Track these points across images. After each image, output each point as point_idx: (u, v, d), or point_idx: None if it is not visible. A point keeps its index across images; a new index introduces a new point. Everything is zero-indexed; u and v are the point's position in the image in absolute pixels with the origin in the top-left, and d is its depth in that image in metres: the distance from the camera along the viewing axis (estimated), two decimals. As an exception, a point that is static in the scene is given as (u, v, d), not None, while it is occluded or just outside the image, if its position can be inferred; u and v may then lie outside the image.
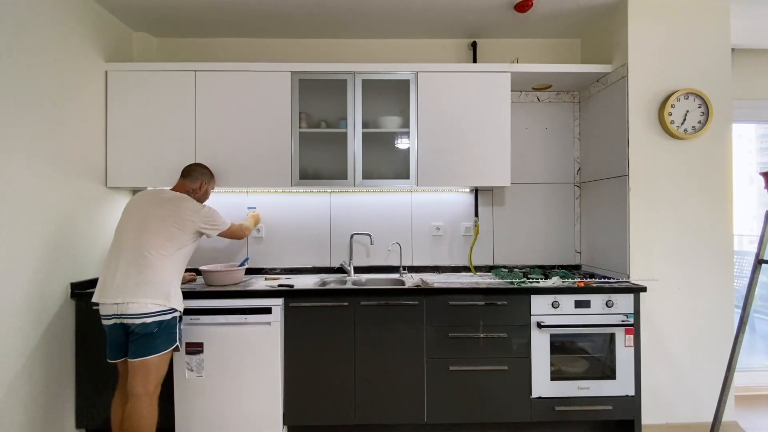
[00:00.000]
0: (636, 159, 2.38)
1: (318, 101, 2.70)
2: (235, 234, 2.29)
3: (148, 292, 1.83)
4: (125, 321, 1.82)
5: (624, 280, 2.39)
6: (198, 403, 2.20)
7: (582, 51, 2.92)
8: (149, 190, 2.26)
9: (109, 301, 1.82)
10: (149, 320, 1.82)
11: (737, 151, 2.57)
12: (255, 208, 2.75)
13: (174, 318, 1.90)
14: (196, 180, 2.20)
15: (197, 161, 2.47)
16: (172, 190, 2.13)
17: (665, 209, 2.39)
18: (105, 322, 1.87)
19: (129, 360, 1.85)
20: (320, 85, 2.59)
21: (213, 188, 2.35)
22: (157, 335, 1.84)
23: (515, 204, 2.91)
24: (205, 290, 2.25)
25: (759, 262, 1.86)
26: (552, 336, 2.27)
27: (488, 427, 2.33)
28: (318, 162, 2.70)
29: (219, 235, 2.17)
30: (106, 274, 1.88)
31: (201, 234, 2.07)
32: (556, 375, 2.28)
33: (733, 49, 2.59)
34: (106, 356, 1.92)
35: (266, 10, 2.51)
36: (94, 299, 1.88)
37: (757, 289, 1.88)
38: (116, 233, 1.96)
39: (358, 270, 2.84)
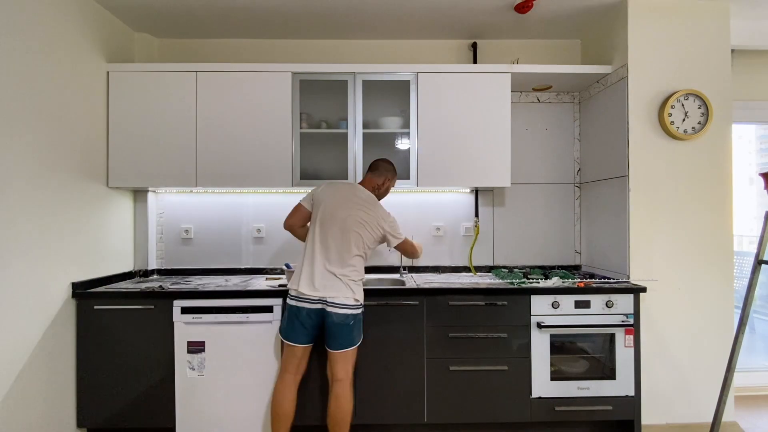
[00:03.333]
0: (636, 160, 2.38)
1: (319, 102, 2.70)
2: (407, 249, 2.24)
3: (348, 289, 1.98)
4: (329, 309, 1.95)
5: (624, 280, 2.39)
6: (199, 402, 2.21)
7: (582, 52, 2.92)
8: (345, 184, 2.19)
9: (313, 293, 1.96)
10: (350, 312, 1.97)
11: (737, 151, 2.58)
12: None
13: (362, 312, 2.07)
14: (381, 175, 2.20)
15: (198, 162, 2.48)
16: (360, 184, 2.18)
17: (665, 210, 2.39)
18: (305, 305, 1.97)
19: (330, 351, 2.00)
20: (321, 86, 2.59)
21: (394, 185, 2.31)
22: (353, 327, 2.00)
23: (515, 204, 2.92)
24: (206, 290, 2.26)
25: (759, 262, 1.87)
26: (552, 336, 2.28)
27: (488, 427, 2.34)
28: (319, 162, 2.70)
29: (396, 247, 2.19)
30: (309, 267, 2.00)
31: (384, 240, 2.15)
32: (556, 375, 2.28)
33: (733, 50, 2.59)
34: (285, 337, 2.01)
35: (267, 10, 2.52)
36: (295, 287, 1.99)
37: (756, 290, 1.88)
38: (319, 228, 2.03)
39: (359, 270, 2.84)
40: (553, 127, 2.93)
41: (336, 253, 2.00)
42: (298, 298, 1.98)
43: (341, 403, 1.98)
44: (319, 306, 1.96)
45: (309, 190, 2.73)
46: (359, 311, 2.03)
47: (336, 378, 2.00)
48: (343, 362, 1.99)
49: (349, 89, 2.53)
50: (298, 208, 2.17)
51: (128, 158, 2.49)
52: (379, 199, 2.19)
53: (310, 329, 1.99)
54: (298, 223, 2.18)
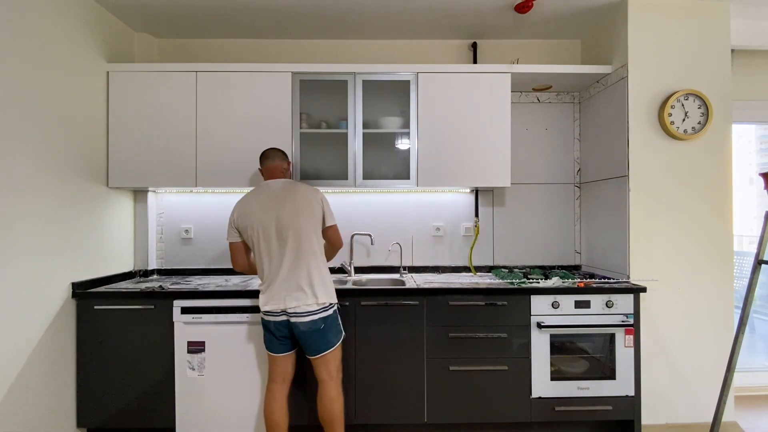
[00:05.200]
0: (636, 159, 2.38)
1: (319, 102, 2.70)
2: (336, 238, 2.05)
3: (309, 296, 1.90)
4: (293, 320, 1.90)
5: (624, 280, 2.39)
6: (199, 402, 2.21)
7: (582, 52, 2.92)
8: (251, 194, 2.02)
9: (276, 308, 1.90)
10: (316, 317, 1.90)
11: (737, 151, 2.58)
12: None
13: (336, 310, 2.01)
14: (283, 159, 2.09)
15: (198, 162, 2.49)
16: (269, 178, 2.05)
17: (665, 210, 2.40)
18: (271, 318, 1.93)
19: (308, 357, 1.98)
20: (321, 86, 2.59)
21: None
22: (326, 330, 1.93)
23: (515, 204, 2.92)
24: (206, 290, 2.26)
25: (759, 262, 1.87)
26: (552, 336, 2.28)
27: (488, 427, 2.34)
28: (319, 162, 2.70)
29: (328, 229, 2.01)
30: (267, 285, 1.92)
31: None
32: (556, 375, 2.28)
33: (733, 50, 2.59)
34: (266, 348, 2.00)
35: (267, 10, 2.52)
36: (262, 309, 1.93)
37: (756, 290, 1.88)
38: (259, 248, 1.93)
39: (359, 270, 2.84)
40: (553, 127, 2.93)
41: (284, 263, 1.90)
42: (265, 312, 1.94)
43: (327, 403, 1.97)
44: (283, 318, 1.91)
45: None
46: (329, 312, 1.93)
47: (320, 379, 1.99)
48: (324, 365, 1.96)
49: (349, 89, 2.53)
50: (232, 247, 2.04)
51: (128, 158, 2.49)
52: None
53: (284, 339, 1.96)
54: (245, 259, 2.06)
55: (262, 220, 1.93)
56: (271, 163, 2.07)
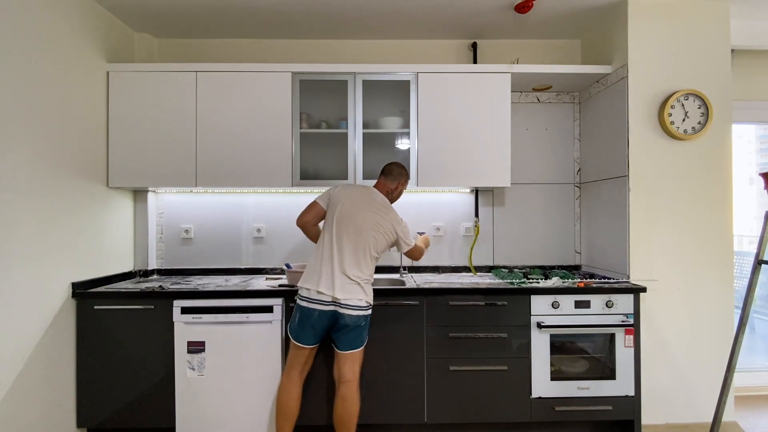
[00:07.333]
0: (636, 160, 2.38)
1: (319, 102, 2.70)
2: (414, 254, 2.25)
3: (361, 291, 1.98)
4: (341, 311, 1.94)
5: (624, 280, 2.39)
6: (199, 402, 2.21)
7: (582, 52, 2.92)
8: (361, 187, 2.18)
9: (327, 293, 1.94)
10: (362, 313, 1.97)
11: (737, 151, 2.58)
12: (424, 233, 2.55)
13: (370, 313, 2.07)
14: (395, 180, 2.22)
15: (198, 162, 2.48)
16: (374, 187, 2.20)
17: (665, 210, 2.40)
18: (317, 307, 1.95)
19: (340, 351, 2.00)
20: (321, 86, 2.59)
21: (405, 188, 2.33)
22: (363, 328, 2.01)
23: (515, 204, 2.92)
24: (206, 290, 2.26)
25: (759, 262, 1.87)
26: (552, 336, 2.28)
27: (488, 427, 2.34)
28: (319, 162, 2.70)
29: (404, 253, 2.22)
30: (323, 267, 1.98)
31: (395, 245, 2.17)
32: (556, 375, 2.28)
33: (732, 50, 2.59)
34: (295, 338, 2.00)
35: (267, 10, 2.52)
36: (309, 287, 1.97)
37: (756, 290, 1.88)
38: (336, 229, 2.02)
39: (359, 270, 2.84)
40: (553, 127, 2.93)
41: (351, 255, 1.99)
42: (310, 299, 1.96)
43: (348, 405, 1.99)
44: (331, 308, 1.95)
45: (308, 190, 2.77)
46: (369, 312, 2.02)
47: (344, 379, 2.00)
48: (351, 363, 2.00)
49: (349, 89, 2.53)
50: (314, 205, 2.14)
51: (128, 158, 2.49)
52: (391, 203, 2.21)
53: (321, 331, 1.99)
54: (312, 221, 2.15)
55: (351, 211, 2.04)
56: (383, 179, 2.22)
